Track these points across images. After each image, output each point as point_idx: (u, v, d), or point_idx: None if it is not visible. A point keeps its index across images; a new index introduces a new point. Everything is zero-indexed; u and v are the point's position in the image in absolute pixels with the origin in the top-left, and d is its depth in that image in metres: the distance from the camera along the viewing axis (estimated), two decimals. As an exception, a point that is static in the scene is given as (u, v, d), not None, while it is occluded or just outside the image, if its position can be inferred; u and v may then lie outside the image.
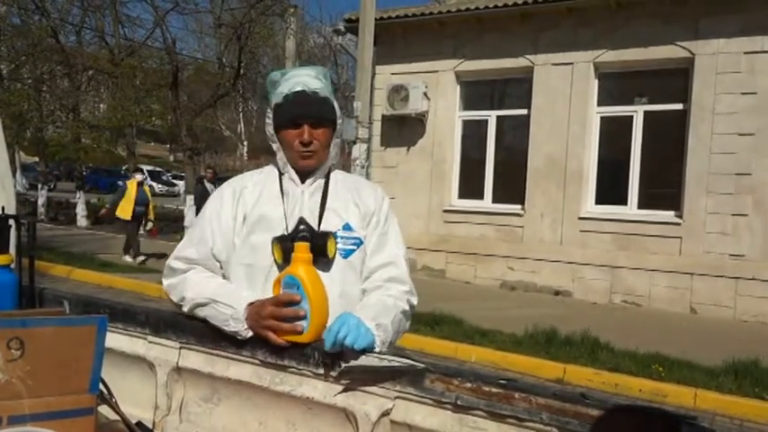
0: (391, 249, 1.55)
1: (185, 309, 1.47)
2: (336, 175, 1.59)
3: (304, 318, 1.31)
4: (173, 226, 15.15)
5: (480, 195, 9.30)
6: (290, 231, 1.46)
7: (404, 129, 9.57)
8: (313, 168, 1.52)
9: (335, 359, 1.28)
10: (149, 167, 34.86)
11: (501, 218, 8.90)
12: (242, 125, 35.25)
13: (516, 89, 9.18)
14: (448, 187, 9.46)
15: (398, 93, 9.23)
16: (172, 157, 52.38)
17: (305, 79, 1.50)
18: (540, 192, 8.61)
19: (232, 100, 18.02)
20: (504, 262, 8.89)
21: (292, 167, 1.53)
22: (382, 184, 9.41)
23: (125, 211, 9.37)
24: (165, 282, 1.53)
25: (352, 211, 1.53)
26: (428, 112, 9.41)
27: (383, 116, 9.60)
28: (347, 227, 1.50)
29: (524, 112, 8.97)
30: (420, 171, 9.47)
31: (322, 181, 1.54)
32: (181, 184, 31.29)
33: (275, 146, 1.54)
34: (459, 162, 9.55)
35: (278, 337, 1.33)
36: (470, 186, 9.43)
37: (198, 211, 6.02)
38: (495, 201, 9.23)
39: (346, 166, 14.22)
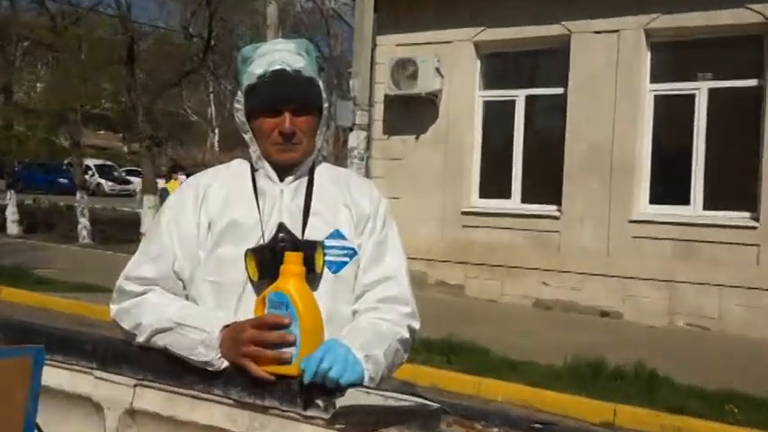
0: (389, 262, 1.57)
1: (141, 339, 1.47)
2: (322, 171, 1.61)
3: (293, 344, 1.32)
4: (126, 233, 15.19)
5: (506, 194, 9.29)
6: (267, 241, 1.47)
7: (412, 112, 9.57)
8: (295, 163, 1.54)
9: (329, 398, 1.28)
10: (97, 161, 34.99)
11: (532, 221, 8.94)
12: (213, 109, 35.30)
13: (549, 63, 9.15)
14: (467, 184, 9.47)
15: (405, 68, 9.23)
16: (126, 149, 52.53)
17: (284, 56, 1.52)
18: (581, 189, 8.64)
19: (201, 78, 18.11)
20: (536, 276, 8.89)
21: (269, 162, 1.55)
22: (385, 179, 9.44)
23: None
24: (115, 307, 1.53)
25: (343, 214, 1.55)
26: (441, 92, 9.44)
27: (386, 97, 9.59)
28: (337, 234, 1.52)
29: (560, 90, 8.95)
30: (432, 164, 9.52)
31: (305, 178, 1.57)
32: (137, 182, 31.33)
33: (247, 136, 1.55)
34: (479, 153, 9.55)
35: (260, 367, 1.33)
36: (494, 183, 9.41)
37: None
38: (524, 200, 9.22)
39: (341, 157, 14.27)
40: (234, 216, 1.51)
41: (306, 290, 1.35)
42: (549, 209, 8.90)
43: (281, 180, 1.55)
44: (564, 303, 8.68)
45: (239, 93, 1.55)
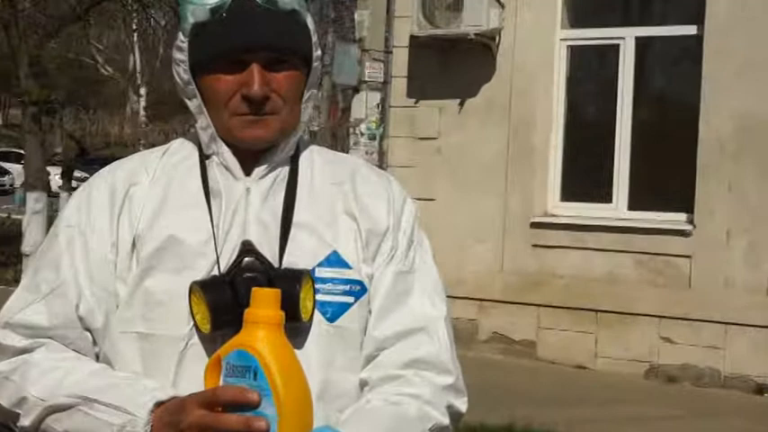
0: (420, 303, 1.62)
1: (27, 421, 1.52)
2: (311, 157, 1.68)
3: None
4: None
5: (605, 196, 9.32)
6: (224, 269, 1.53)
7: (454, 64, 9.56)
8: (267, 145, 1.59)
9: None
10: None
11: (647, 240, 8.93)
12: (137, 57, 35.57)
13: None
14: (540, 180, 9.47)
15: (444, -6, 9.32)
16: (-1, 118, 53.15)
17: None
18: (726, 187, 8.63)
19: (118, 9, 18.06)
20: (653, 327, 8.86)
21: (227, 143, 1.60)
22: (410, 171, 9.45)
23: None
24: None
25: (345, 227, 1.61)
26: (501, 33, 9.43)
27: (413, 40, 9.65)
28: (334, 259, 1.58)
29: (691, 30, 9.02)
30: (486, 147, 9.53)
31: (284, 169, 1.63)
32: (15, 171, 31.48)
33: (193, 103, 1.61)
34: (562, 130, 9.57)
35: None
36: (584, 178, 9.42)
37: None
38: (633, 206, 9.23)
39: (340, 136, 14.22)
40: (172, 230, 1.56)
41: (285, 348, 1.39)
42: (675, 219, 8.93)
43: (247, 173, 1.59)
44: (698, 372, 8.64)
45: (180, 36, 1.61)
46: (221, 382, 1.39)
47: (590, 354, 9.07)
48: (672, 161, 9.15)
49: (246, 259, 1.53)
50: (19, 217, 16.70)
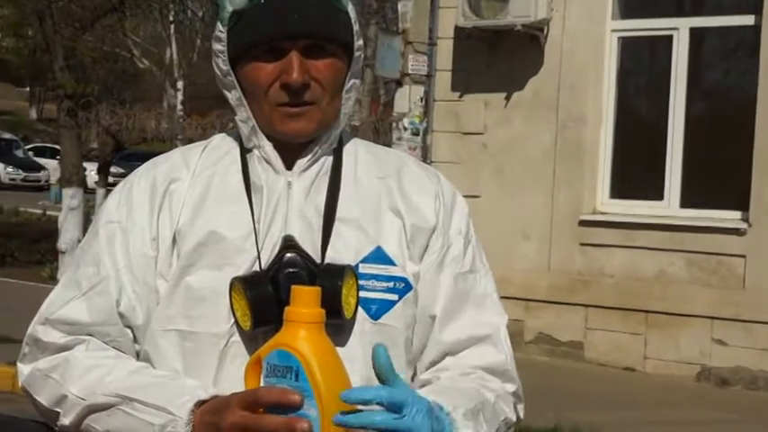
0: (483, 308, 1.64)
1: (67, 420, 1.53)
2: (355, 151, 1.68)
3: None
4: (35, 250, 15.26)
5: (656, 193, 9.32)
6: (266, 265, 1.54)
7: (500, 57, 9.58)
8: (308, 138, 1.59)
9: None
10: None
11: (699, 239, 8.92)
12: (174, 50, 35.81)
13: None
14: (590, 176, 9.46)
15: (489, -17, 9.35)
16: (35, 113, 53.70)
17: None
18: None
19: (155, 0, 18.14)
20: (705, 328, 8.82)
21: (268, 136, 1.60)
22: (455, 168, 9.50)
23: None
24: (26, 368, 1.61)
25: (390, 223, 1.62)
26: (550, 24, 9.43)
27: (458, 31, 9.66)
28: (379, 255, 1.59)
29: (749, 20, 8.97)
30: (533, 143, 9.61)
31: (328, 162, 1.63)
32: (50, 167, 31.71)
33: (233, 95, 1.61)
34: (612, 125, 9.55)
35: None
36: (636, 175, 9.43)
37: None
38: (685, 204, 9.22)
39: (382, 131, 14.23)
40: (213, 226, 1.57)
41: (326, 347, 1.40)
42: (729, 217, 8.91)
43: (289, 166, 1.60)
44: (751, 375, 8.57)
45: (218, 26, 1.61)
46: (262, 383, 1.40)
47: (639, 355, 9.06)
48: (726, 157, 9.13)
49: (288, 255, 1.54)
50: (55, 213, 16.91)
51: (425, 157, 9.68)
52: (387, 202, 1.63)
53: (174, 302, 1.57)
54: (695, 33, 9.27)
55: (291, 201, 1.60)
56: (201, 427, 1.42)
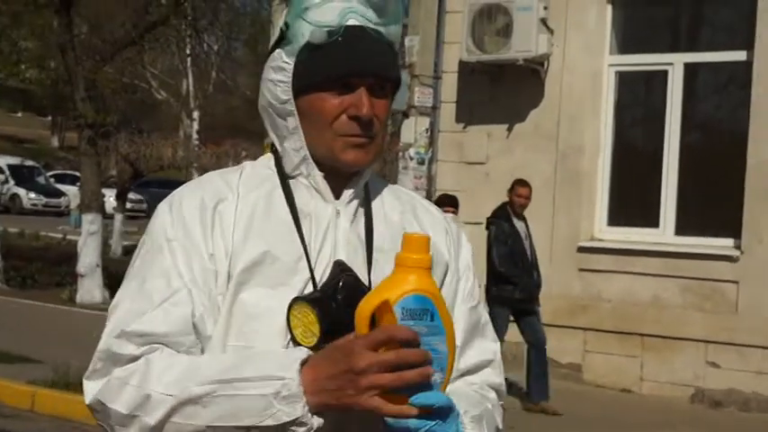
0: (487, 337, 1.75)
1: (152, 418, 1.49)
2: (376, 185, 1.73)
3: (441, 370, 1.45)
4: (55, 272, 15.35)
5: (652, 220, 9.35)
6: (320, 286, 1.56)
7: (502, 90, 9.62)
8: (363, 168, 1.65)
9: None
10: (12, 160, 35.70)
11: (693, 265, 8.96)
12: (190, 82, 35.75)
13: (724, 11, 9.16)
14: (588, 204, 9.51)
15: (493, 19, 9.33)
16: (56, 141, 53.49)
17: (361, 7, 1.61)
18: None
19: (173, 33, 18.32)
20: (699, 351, 8.87)
21: (323, 164, 1.63)
22: (459, 195, 9.52)
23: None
24: (97, 384, 1.55)
25: None
26: (550, 59, 9.52)
27: (462, 65, 9.76)
28: None
29: (740, 55, 9.02)
30: (533, 172, 9.51)
31: (362, 194, 1.68)
32: (71, 193, 31.70)
33: (289, 123, 1.63)
34: (609, 155, 9.58)
35: (394, 404, 1.40)
36: (632, 203, 9.44)
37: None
38: (680, 232, 9.26)
39: (388, 161, 14.16)
40: (267, 246, 1.58)
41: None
42: (722, 245, 8.93)
43: (337, 196, 1.63)
44: (744, 397, 8.60)
45: (282, 56, 1.62)
46: (398, 321, 1.41)
47: (635, 378, 9.07)
48: (719, 187, 9.14)
49: (346, 278, 1.55)
50: (74, 238, 16.79)
51: (430, 185, 9.70)
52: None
53: (229, 319, 1.57)
54: (689, 68, 9.36)
55: (339, 228, 1.62)
56: (313, 383, 1.42)
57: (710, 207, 9.11)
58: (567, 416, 7.81)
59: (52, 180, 36.78)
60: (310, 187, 1.63)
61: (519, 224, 8.29)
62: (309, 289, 1.55)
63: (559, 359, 9.39)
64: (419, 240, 1.44)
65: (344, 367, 1.38)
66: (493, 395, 1.70)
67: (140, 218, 27.73)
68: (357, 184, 1.64)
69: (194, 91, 35.66)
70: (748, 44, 8.90)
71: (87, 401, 1.55)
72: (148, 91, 33.86)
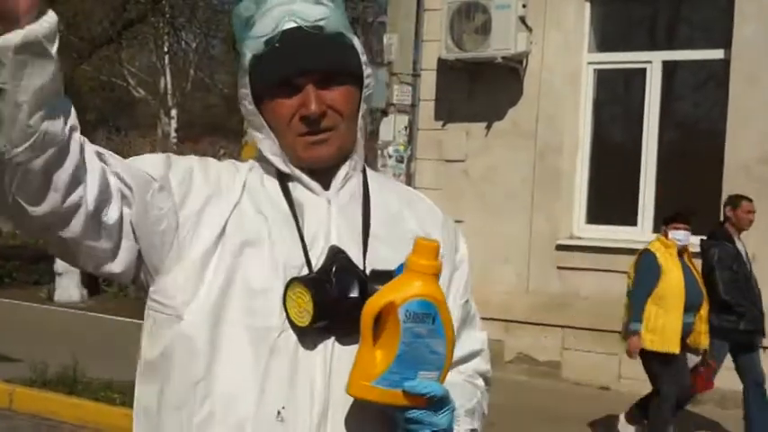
0: (478, 327, 1.84)
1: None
2: (376, 176, 1.79)
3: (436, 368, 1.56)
4: (32, 271, 15.34)
5: (630, 218, 9.39)
6: (316, 269, 1.61)
7: (481, 87, 9.64)
8: (328, 164, 1.69)
9: None
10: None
11: None
12: (168, 79, 35.52)
13: (702, 9, 9.20)
14: (566, 202, 9.53)
15: (471, 17, 9.33)
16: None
17: (300, 7, 1.65)
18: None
19: (150, 32, 18.26)
20: None
21: (295, 165, 1.69)
22: (438, 193, 9.52)
23: (671, 331, 7.18)
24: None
25: (410, 242, 1.63)
26: (528, 57, 9.53)
27: (441, 63, 9.75)
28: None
29: (718, 54, 9.07)
30: (512, 170, 9.64)
31: (358, 184, 1.73)
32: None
33: (263, 134, 1.71)
34: (588, 153, 9.62)
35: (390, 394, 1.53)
36: (610, 201, 9.45)
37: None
38: (658, 229, 8.88)
39: (367, 159, 14.24)
40: (265, 229, 1.64)
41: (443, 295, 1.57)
42: (699, 244, 8.77)
43: (326, 187, 1.69)
44: (721, 394, 8.58)
45: (242, 72, 1.70)
46: (401, 326, 1.49)
47: (614, 375, 9.07)
48: (697, 185, 9.15)
49: (340, 261, 1.61)
50: None
51: (409, 183, 9.52)
52: (407, 226, 1.71)
53: (229, 296, 1.60)
54: (668, 66, 9.39)
55: (331, 217, 1.67)
56: None
57: (691, 201, 8.91)
58: (546, 413, 7.82)
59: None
60: (300, 183, 1.69)
61: (739, 245, 7.57)
62: (305, 272, 1.61)
63: (538, 357, 9.43)
64: (429, 247, 1.50)
65: None
66: (481, 382, 1.78)
67: (118, 216, 27.26)
68: (343, 174, 1.69)
69: (172, 89, 35.38)
70: (726, 42, 8.92)
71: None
72: (126, 89, 33.62)
